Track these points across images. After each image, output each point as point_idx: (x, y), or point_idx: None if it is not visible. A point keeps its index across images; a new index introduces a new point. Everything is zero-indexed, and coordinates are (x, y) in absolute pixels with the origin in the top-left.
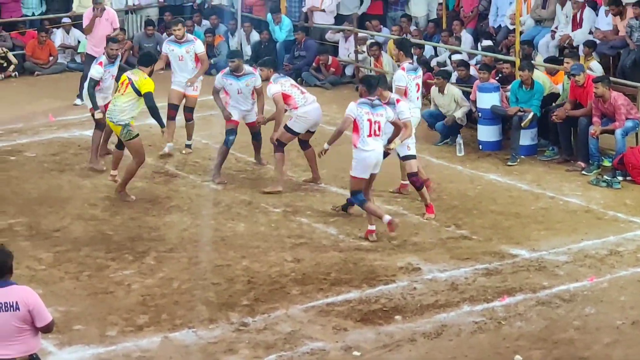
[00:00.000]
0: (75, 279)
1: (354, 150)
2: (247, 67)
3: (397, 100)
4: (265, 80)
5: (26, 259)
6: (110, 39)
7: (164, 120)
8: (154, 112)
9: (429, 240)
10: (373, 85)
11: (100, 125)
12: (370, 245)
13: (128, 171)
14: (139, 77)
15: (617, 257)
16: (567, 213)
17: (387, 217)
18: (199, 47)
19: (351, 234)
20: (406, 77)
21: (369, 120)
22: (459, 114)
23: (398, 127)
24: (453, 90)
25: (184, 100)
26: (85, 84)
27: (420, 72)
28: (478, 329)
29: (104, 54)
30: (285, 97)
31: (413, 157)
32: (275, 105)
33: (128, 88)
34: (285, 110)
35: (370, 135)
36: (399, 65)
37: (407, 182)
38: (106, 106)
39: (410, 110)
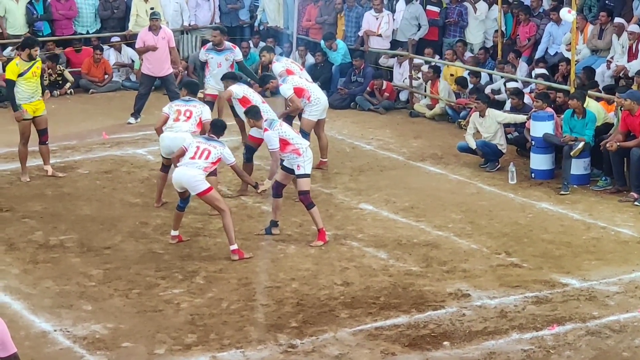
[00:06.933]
0: (124, 297)
1: None
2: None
3: (265, 130)
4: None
5: (76, 275)
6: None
7: None
8: (8, 97)
9: (479, 267)
10: (218, 131)
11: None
12: (420, 270)
13: (19, 157)
14: (9, 63)
15: None
16: (618, 244)
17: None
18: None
19: (401, 259)
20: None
21: (197, 147)
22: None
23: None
24: (494, 112)
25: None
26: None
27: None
28: (527, 358)
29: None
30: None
31: (306, 175)
32: None
33: None
34: None
35: (193, 158)
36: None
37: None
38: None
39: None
